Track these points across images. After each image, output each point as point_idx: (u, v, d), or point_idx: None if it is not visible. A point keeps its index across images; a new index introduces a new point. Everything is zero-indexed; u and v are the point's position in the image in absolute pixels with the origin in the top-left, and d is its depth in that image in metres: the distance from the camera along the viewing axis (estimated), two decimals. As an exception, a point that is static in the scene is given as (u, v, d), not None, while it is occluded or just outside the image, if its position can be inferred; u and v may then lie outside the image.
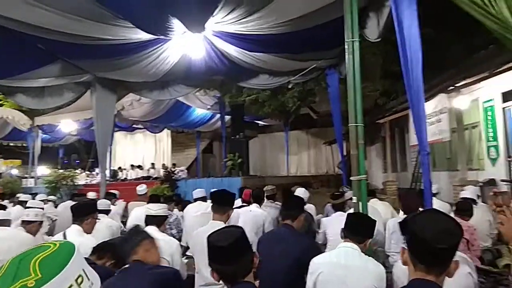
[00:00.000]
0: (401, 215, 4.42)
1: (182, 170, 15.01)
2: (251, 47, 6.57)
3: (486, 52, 7.33)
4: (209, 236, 1.80)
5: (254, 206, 5.24)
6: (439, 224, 1.43)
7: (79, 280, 0.76)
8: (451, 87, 8.86)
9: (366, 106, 5.43)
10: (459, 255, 2.52)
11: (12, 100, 9.41)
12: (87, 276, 0.79)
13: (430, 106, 9.27)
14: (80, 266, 0.78)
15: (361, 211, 3.66)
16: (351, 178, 3.84)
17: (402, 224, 1.59)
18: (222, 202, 3.45)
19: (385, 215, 5.15)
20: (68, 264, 0.74)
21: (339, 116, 7.61)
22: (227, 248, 1.71)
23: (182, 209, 6.48)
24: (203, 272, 3.19)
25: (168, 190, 10.89)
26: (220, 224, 3.28)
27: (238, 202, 6.50)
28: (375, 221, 2.83)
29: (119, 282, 2.16)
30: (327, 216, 5.45)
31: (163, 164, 15.94)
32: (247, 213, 4.91)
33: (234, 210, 5.60)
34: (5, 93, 8.47)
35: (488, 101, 8.46)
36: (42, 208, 5.38)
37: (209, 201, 6.06)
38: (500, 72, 7.50)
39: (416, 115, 3.54)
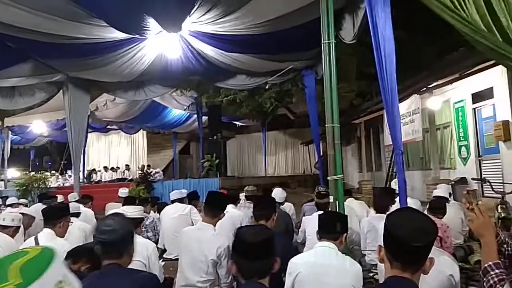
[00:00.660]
0: (373, 214, 4.51)
1: (158, 172, 14.81)
2: (228, 47, 6.56)
3: (457, 54, 7.55)
4: (240, 229, 1.86)
5: (230, 207, 5.21)
6: (415, 223, 1.46)
7: (60, 285, 0.76)
8: (424, 88, 9.09)
9: (342, 106, 5.50)
10: (441, 251, 2.55)
11: (-20, 101, 9.07)
12: (68, 281, 0.79)
13: (403, 107, 9.48)
14: (60, 271, 0.78)
15: (338, 210, 3.70)
16: (328, 178, 3.88)
17: None
18: (215, 205, 3.41)
19: (361, 214, 5.22)
20: (49, 269, 0.74)
21: (315, 117, 7.68)
22: (255, 245, 1.75)
23: (158, 211, 6.40)
24: (185, 272, 3.16)
25: (144, 192, 10.74)
26: (209, 227, 3.25)
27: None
28: (346, 216, 2.88)
29: (99, 282, 2.05)
30: (304, 215, 5.49)
31: (142, 165, 15.68)
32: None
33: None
34: (-27, 93, 8.16)
35: (459, 101, 8.72)
36: (34, 217, 5.14)
37: (186, 204, 6.01)
38: (471, 74, 7.74)
39: (391, 116, 3.61)
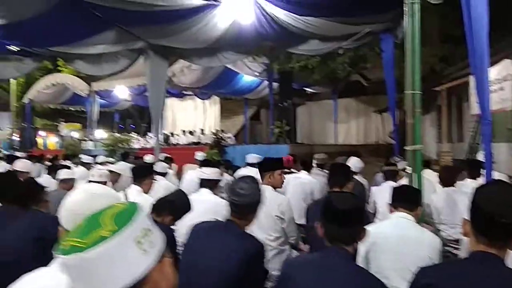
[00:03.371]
0: (438, 189, 4.29)
1: (229, 137, 15.22)
2: (301, 11, 6.39)
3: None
4: (331, 194, 1.89)
5: (303, 173, 5.25)
6: (505, 197, 1.37)
7: (147, 232, 0.87)
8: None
9: (422, 72, 5.06)
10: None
11: (71, 67, 9.87)
12: (152, 229, 0.89)
13: (492, 73, 8.62)
14: (146, 220, 0.89)
15: (415, 182, 3.58)
16: (406, 147, 3.74)
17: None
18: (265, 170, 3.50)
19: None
20: (136, 218, 0.86)
21: (393, 83, 7.32)
22: (346, 212, 1.76)
23: (232, 174, 6.64)
24: (254, 231, 3.29)
25: (217, 155, 11.13)
26: (267, 188, 3.31)
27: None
28: (420, 190, 2.85)
29: (209, 236, 2.22)
30: (375, 185, 5.37)
31: (217, 130, 16.20)
32: (295, 180, 4.94)
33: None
34: (65, 60, 8.93)
35: (560, 67, 7.76)
36: (120, 174, 5.58)
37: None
38: None
39: (479, 82, 3.34)
